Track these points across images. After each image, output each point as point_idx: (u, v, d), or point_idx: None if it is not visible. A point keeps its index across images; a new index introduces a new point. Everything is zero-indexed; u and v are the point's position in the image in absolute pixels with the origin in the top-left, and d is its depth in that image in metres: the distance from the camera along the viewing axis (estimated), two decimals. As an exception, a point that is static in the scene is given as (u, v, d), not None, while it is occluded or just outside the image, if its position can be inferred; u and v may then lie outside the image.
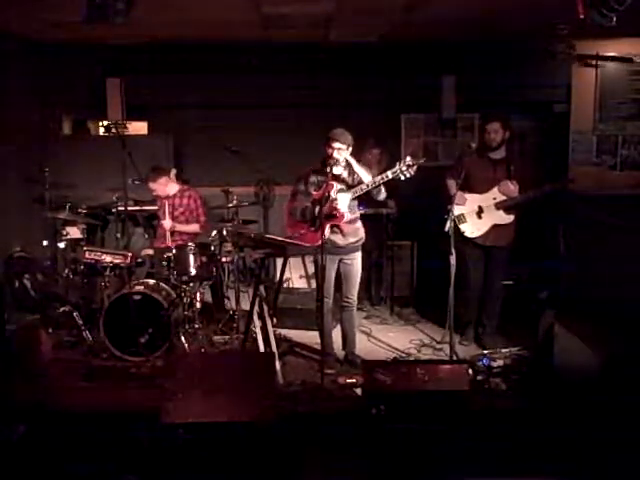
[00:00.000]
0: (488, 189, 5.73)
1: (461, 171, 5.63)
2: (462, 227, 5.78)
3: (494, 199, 5.73)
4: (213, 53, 8.20)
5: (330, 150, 5.32)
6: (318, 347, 5.67)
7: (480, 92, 8.22)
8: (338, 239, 5.47)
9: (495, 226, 5.75)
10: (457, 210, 5.72)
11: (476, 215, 5.72)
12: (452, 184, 5.88)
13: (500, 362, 5.43)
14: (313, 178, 5.51)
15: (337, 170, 5.36)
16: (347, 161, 5.38)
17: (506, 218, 5.74)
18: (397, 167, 5.11)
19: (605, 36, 6.82)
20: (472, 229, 5.72)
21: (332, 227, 5.40)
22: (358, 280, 5.65)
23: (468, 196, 5.72)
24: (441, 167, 6.88)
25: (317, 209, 5.36)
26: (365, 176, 5.29)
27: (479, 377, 5.18)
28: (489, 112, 5.97)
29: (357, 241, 5.57)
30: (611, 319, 4.93)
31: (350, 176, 5.45)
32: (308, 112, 8.27)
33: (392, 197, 7.13)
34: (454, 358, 5.46)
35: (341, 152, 5.34)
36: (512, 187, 5.65)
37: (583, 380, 4.68)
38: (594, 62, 7.27)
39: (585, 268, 5.84)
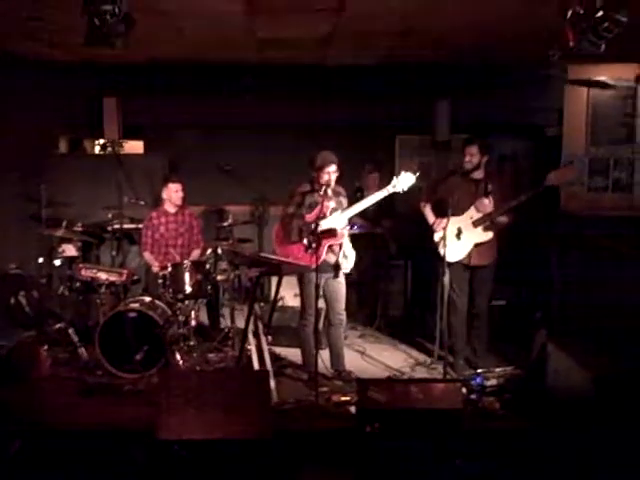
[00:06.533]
0: (467, 209, 5.78)
1: (435, 192, 5.91)
2: (441, 251, 5.75)
3: (471, 218, 5.75)
4: (209, 74, 8.28)
5: (327, 176, 5.44)
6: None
7: (473, 114, 8.30)
8: (331, 258, 5.55)
9: (476, 245, 5.75)
10: (437, 236, 5.81)
11: (455, 237, 5.73)
12: (428, 212, 5.98)
13: (494, 381, 5.46)
14: (307, 201, 5.58)
15: (329, 192, 5.47)
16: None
17: (484, 236, 5.73)
18: (394, 181, 5.39)
19: (597, 61, 6.92)
20: (453, 252, 5.73)
21: (329, 247, 5.49)
22: (345, 296, 5.73)
23: (444, 220, 5.68)
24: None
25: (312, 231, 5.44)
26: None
27: (472, 396, 5.20)
28: (469, 135, 6.04)
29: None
30: (603, 338, 4.98)
31: (337, 197, 5.59)
32: (303, 132, 8.33)
33: (388, 216, 7.26)
34: (448, 377, 5.50)
35: (336, 173, 5.47)
36: (486, 202, 5.66)
37: (575, 399, 4.72)
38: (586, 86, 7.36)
39: (577, 288, 5.90)
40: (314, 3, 5.62)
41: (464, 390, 5.03)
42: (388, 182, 5.47)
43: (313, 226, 5.38)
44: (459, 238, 5.73)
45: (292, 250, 5.56)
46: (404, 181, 5.36)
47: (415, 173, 5.41)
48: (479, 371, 5.69)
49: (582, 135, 7.38)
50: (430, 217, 5.96)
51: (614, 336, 4.91)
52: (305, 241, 5.48)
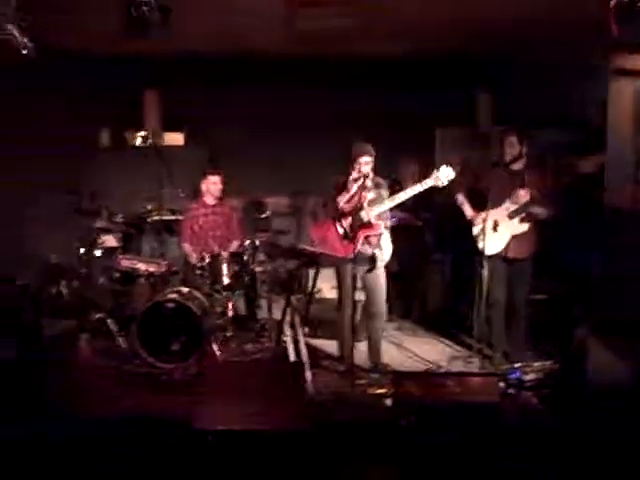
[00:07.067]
0: (504, 201, 5.71)
1: (474, 185, 5.88)
2: (480, 245, 5.72)
3: (507, 209, 5.69)
4: (248, 66, 8.29)
5: (359, 166, 5.41)
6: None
7: (516, 106, 8.18)
8: (367, 250, 5.52)
9: (514, 237, 5.69)
10: (475, 230, 5.79)
11: (492, 230, 5.67)
12: (466, 205, 5.91)
13: (532, 376, 5.39)
14: (345, 191, 5.56)
15: (368, 182, 5.44)
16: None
17: (520, 227, 5.66)
18: (434, 175, 5.32)
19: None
20: (490, 245, 5.67)
21: (365, 238, 5.46)
22: (385, 289, 5.68)
23: (484, 213, 5.68)
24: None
25: (349, 220, 5.43)
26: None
27: (510, 390, 5.15)
28: (508, 126, 5.96)
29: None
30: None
31: (377, 189, 5.54)
32: (343, 125, 8.29)
33: (426, 208, 7.20)
34: (485, 371, 5.44)
35: (369, 164, 5.43)
36: (522, 193, 5.59)
37: (616, 394, 4.63)
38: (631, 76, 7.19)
39: (619, 282, 5.77)
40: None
41: (502, 384, 4.98)
42: (426, 173, 5.42)
43: (350, 217, 5.39)
44: (496, 230, 5.67)
45: (326, 235, 5.55)
46: (444, 175, 5.30)
47: (455, 167, 5.36)
48: (517, 365, 5.61)
49: (628, 125, 7.19)
50: (468, 211, 5.89)
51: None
52: (341, 230, 5.48)
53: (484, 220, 5.58)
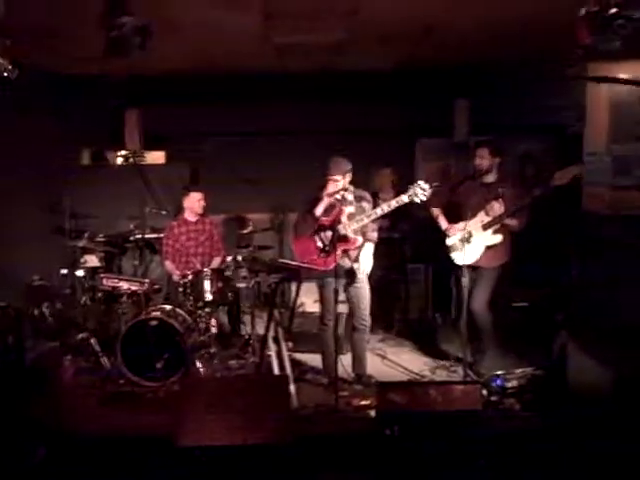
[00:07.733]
0: (478, 213, 5.75)
1: (448, 197, 5.90)
2: (453, 255, 5.81)
3: (481, 221, 5.74)
4: (228, 83, 8.33)
5: (332, 182, 5.44)
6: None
7: (493, 115, 8.25)
8: (346, 263, 5.55)
9: (487, 248, 5.73)
10: (449, 241, 5.85)
11: (466, 241, 5.71)
12: (440, 217, 5.97)
13: (514, 382, 5.41)
14: (324, 203, 5.58)
15: (348, 196, 5.47)
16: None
17: (494, 238, 5.71)
18: (411, 190, 5.33)
19: (619, 58, 6.84)
20: (464, 256, 5.72)
21: (343, 252, 5.49)
22: (369, 302, 5.70)
23: (458, 225, 5.76)
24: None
25: (327, 234, 5.45)
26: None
27: (493, 398, 5.18)
28: (480, 138, 6.03)
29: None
30: (624, 339, 4.91)
31: (358, 202, 5.56)
32: (322, 139, 8.32)
33: (405, 219, 7.23)
34: (468, 379, 5.47)
35: (337, 183, 5.45)
36: (496, 206, 5.64)
37: (596, 400, 4.67)
38: (607, 84, 7.26)
39: (598, 288, 5.82)
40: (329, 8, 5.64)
41: (485, 392, 5.02)
42: (403, 180, 5.44)
43: (329, 230, 5.41)
44: (469, 242, 5.70)
45: (306, 248, 5.59)
46: (420, 191, 5.31)
47: (433, 183, 5.38)
48: (499, 372, 5.62)
49: (604, 133, 7.27)
50: (443, 222, 5.94)
51: (636, 337, 4.84)
52: (320, 244, 5.50)
53: (462, 231, 5.65)
